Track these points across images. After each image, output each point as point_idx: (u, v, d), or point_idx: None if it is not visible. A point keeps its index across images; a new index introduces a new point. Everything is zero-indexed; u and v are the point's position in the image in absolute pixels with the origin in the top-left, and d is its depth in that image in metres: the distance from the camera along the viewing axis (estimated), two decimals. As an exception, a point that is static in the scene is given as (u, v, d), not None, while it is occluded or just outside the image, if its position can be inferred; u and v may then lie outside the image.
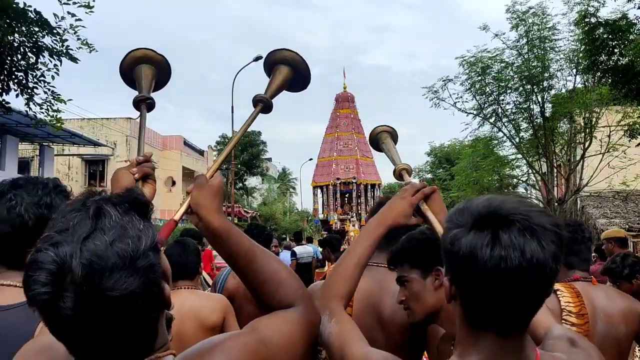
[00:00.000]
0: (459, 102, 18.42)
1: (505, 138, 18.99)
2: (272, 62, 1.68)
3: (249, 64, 22.84)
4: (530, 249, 1.03)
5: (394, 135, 1.94)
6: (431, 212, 1.57)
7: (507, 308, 1.08)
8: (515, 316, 1.10)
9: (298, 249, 11.01)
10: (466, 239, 1.07)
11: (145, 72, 1.66)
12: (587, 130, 16.88)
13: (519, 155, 19.23)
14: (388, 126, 1.96)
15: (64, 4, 6.24)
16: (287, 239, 18.52)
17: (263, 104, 1.61)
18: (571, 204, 18.37)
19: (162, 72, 1.70)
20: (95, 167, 27.82)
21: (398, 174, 1.77)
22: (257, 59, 22.51)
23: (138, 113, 1.61)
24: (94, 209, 0.90)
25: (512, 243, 1.03)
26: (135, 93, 1.62)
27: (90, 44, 6.89)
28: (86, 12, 6.29)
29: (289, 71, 1.67)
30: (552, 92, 17.51)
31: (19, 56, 6.46)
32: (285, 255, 10.51)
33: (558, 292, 2.33)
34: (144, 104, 1.61)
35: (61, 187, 1.67)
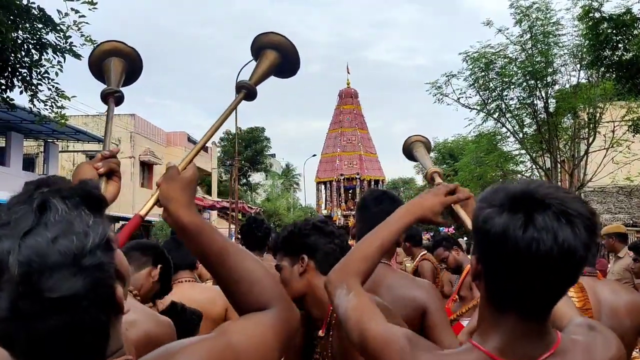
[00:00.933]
0: (462, 97, 18.42)
1: (508, 133, 18.98)
2: (259, 46, 1.61)
3: (251, 60, 22.74)
4: (564, 234, 1.04)
5: (427, 145, 1.99)
6: (463, 212, 1.57)
7: (532, 291, 1.09)
8: (539, 300, 1.11)
9: None
10: (499, 218, 1.07)
11: (115, 65, 1.59)
12: (591, 126, 16.84)
13: (523, 151, 19.21)
14: (421, 136, 2.01)
15: (68, 0, 6.26)
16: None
17: (246, 91, 1.53)
18: (575, 200, 18.30)
19: (132, 65, 1.63)
20: (100, 164, 27.86)
21: (430, 177, 1.79)
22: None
23: (106, 107, 1.55)
24: (38, 201, 0.82)
25: (546, 226, 1.04)
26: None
27: (94, 40, 6.90)
28: (89, 9, 6.32)
29: (276, 56, 1.59)
30: (556, 87, 17.50)
31: (23, 53, 6.47)
32: None
33: None
34: (111, 97, 1.55)
35: None
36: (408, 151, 2.00)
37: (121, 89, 1.57)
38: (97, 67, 1.61)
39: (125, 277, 0.94)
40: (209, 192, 35.30)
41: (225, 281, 1.17)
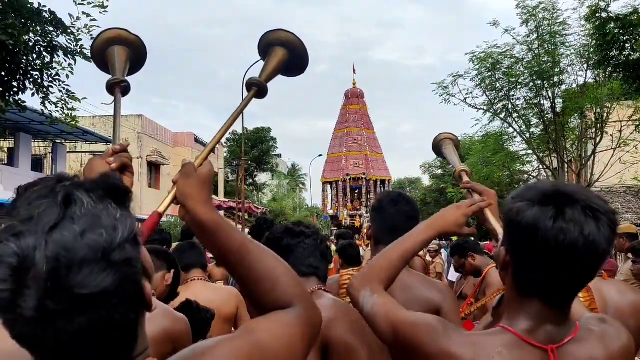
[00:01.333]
0: (469, 97, 18.42)
1: (515, 134, 18.95)
2: (267, 43, 1.57)
3: (258, 61, 22.55)
4: (589, 228, 1.15)
5: (455, 142, 2.04)
6: (491, 215, 1.64)
7: (557, 280, 1.20)
8: (563, 288, 1.22)
9: None
10: (531, 211, 1.19)
11: (119, 53, 1.54)
12: (598, 126, 16.81)
13: (530, 151, 19.18)
14: (451, 134, 2.05)
15: (79, 4, 6.33)
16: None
17: (257, 88, 1.49)
18: (582, 200, 18.23)
19: (136, 53, 1.59)
20: (107, 165, 27.90)
21: (458, 175, 1.85)
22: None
23: (112, 98, 1.50)
24: (62, 195, 0.78)
25: (574, 219, 1.15)
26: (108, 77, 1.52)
27: (104, 43, 6.90)
28: (100, 12, 6.37)
29: (285, 53, 1.55)
30: (563, 87, 17.47)
31: (35, 55, 6.54)
32: None
33: None
34: (118, 88, 1.50)
35: None
36: (437, 148, 2.06)
37: (126, 78, 1.53)
38: (101, 56, 1.56)
39: (151, 274, 0.91)
40: (215, 193, 35.39)
41: (245, 279, 1.13)
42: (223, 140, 44.71)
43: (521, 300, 1.25)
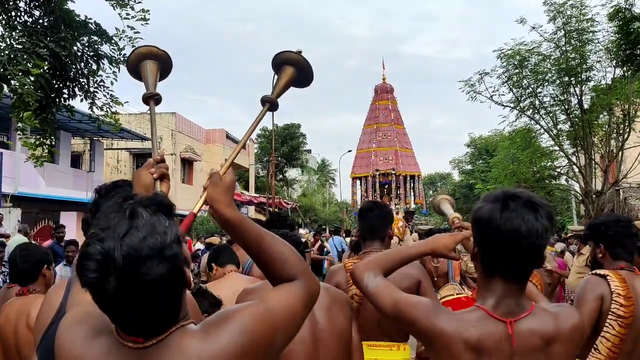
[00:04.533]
0: (495, 95, 18.43)
1: (542, 130, 18.87)
2: (278, 62, 1.84)
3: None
4: (528, 216, 1.53)
5: (451, 202, 2.55)
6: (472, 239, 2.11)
7: (510, 259, 1.57)
8: (515, 265, 1.59)
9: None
10: (486, 207, 1.61)
11: (151, 68, 1.82)
12: (626, 122, 16.71)
13: (557, 147, 19.10)
14: (446, 195, 2.60)
15: (124, 18, 6.81)
16: (327, 231, 19.07)
17: (269, 104, 1.77)
18: (611, 196, 18.20)
19: (164, 65, 1.87)
20: (142, 160, 28.12)
21: (452, 221, 2.32)
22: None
23: (148, 107, 1.79)
24: (129, 211, 1.10)
25: (516, 209, 1.55)
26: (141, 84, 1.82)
27: (143, 50, 7.30)
28: (142, 24, 6.83)
29: (293, 71, 1.83)
30: (591, 84, 17.33)
31: (82, 64, 7.04)
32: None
33: (608, 277, 2.67)
34: (152, 100, 1.78)
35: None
36: (436, 205, 2.56)
37: (158, 83, 1.82)
38: (135, 67, 1.86)
39: (189, 262, 1.22)
40: (246, 188, 35.86)
41: (263, 260, 1.42)
42: (253, 136, 44.92)
43: (488, 280, 1.65)
